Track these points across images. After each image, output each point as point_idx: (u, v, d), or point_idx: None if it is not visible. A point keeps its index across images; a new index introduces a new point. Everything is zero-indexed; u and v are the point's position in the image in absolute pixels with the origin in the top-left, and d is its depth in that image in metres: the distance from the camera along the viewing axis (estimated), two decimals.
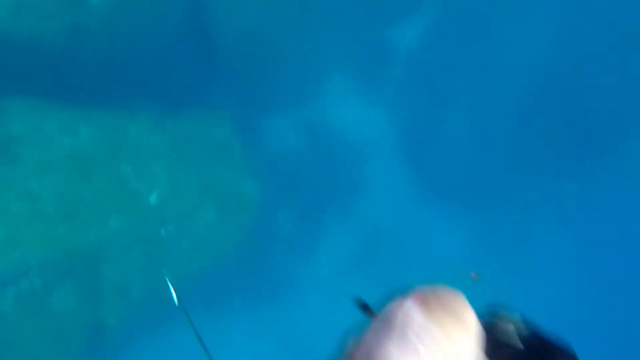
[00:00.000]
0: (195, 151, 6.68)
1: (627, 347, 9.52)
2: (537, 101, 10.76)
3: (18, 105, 5.83)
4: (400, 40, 12.14)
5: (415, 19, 12.02)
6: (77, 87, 6.25)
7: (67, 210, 5.21)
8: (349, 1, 10.15)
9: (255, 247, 8.97)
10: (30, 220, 5.09)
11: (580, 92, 10.50)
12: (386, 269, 12.20)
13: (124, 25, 6.63)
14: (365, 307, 1.13)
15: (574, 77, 10.44)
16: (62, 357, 5.44)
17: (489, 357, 0.91)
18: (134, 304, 5.99)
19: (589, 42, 10.39)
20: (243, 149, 7.32)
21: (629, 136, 10.82)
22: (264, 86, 9.72)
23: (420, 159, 12.36)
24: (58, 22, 6.20)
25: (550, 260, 11.61)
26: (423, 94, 12.36)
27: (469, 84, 11.87)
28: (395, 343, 0.91)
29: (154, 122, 6.22)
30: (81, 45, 6.40)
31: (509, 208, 11.94)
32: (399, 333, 0.92)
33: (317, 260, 11.69)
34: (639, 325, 9.52)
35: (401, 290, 1.02)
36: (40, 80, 6.11)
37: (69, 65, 6.30)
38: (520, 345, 1.07)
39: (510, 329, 1.09)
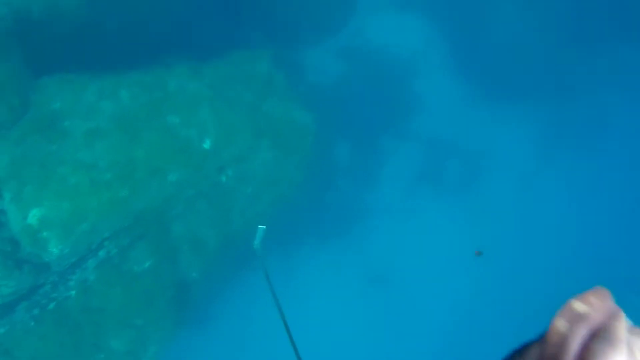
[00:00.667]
0: (239, 91, 6.42)
1: None
2: None
3: (55, 82, 5.71)
4: None
5: None
6: (109, 53, 6.06)
7: (124, 173, 5.13)
8: None
9: (317, 181, 8.80)
10: (90, 190, 5.05)
11: None
12: (455, 182, 11.88)
13: None
14: None
15: None
16: (151, 315, 5.51)
17: None
18: (209, 255, 5.96)
19: None
20: (288, 82, 6.99)
21: None
22: (297, 18, 9.28)
23: (471, 60, 11.70)
24: None
25: (628, 141, 10.91)
26: None
27: None
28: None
29: (192, 71, 5.97)
30: (104, 11, 6.16)
31: (574, 91, 11.22)
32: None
33: (381, 185, 11.51)
34: None
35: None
36: (71, 53, 5.95)
37: (95, 33, 6.09)
38: None
39: None
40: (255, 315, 6.98)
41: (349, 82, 11.08)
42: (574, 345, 0.82)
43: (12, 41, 5.73)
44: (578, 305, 0.83)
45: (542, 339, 0.85)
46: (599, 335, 0.81)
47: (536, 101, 11.74)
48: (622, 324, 0.81)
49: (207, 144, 5.57)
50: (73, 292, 5.37)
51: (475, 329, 9.66)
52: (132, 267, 5.39)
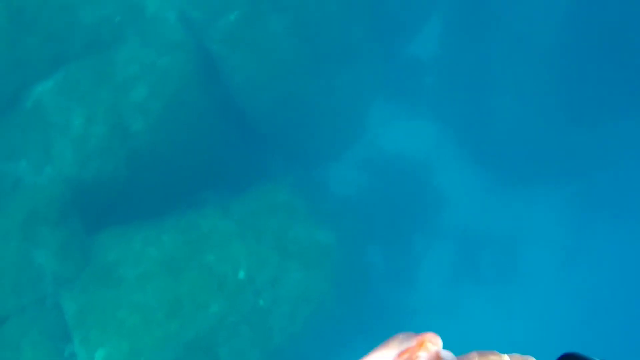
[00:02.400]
0: (265, 222, 7.32)
1: None
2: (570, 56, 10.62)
3: (108, 236, 6.75)
4: (421, 52, 12.44)
5: (429, 27, 12.30)
6: (148, 205, 7.13)
7: (172, 310, 5.94)
8: (357, 35, 10.62)
9: (353, 290, 9.36)
10: (145, 329, 5.85)
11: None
12: (493, 272, 12.05)
13: (167, 140, 7.52)
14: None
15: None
16: None
17: None
18: None
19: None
20: (308, 206, 7.88)
21: None
22: (312, 141, 10.32)
23: (485, 150, 12.32)
24: (114, 157, 7.18)
25: None
26: (460, 93, 12.47)
27: (499, 66, 11.87)
28: None
29: (221, 210, 6.94)
30: (138, 169, 7.34)
31: (597, 161, 11.56)
32: None
33: (419, 284, 11.79)
34: None
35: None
36: (119, 210, 7.05)
37: (135, 189, 7.21)
38: None
39: None
40: None
41: (370, 190, 11.83)
42: None
43: (71, 207, 6.89)
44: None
45: None
46: None
47: (559, 178, 12.10)
48: None
49: (241, 275, 6.39)
50: None
51: None
52: None
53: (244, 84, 8.23)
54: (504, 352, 1.04)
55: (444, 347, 1.04)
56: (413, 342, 0.95)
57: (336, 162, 11.53)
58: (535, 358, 0.98)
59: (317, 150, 10.70)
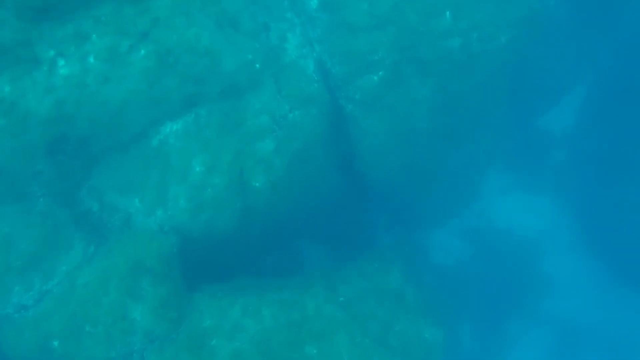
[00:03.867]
0: (372, 308, 6.57)
1: None
2: None
3: (207, 298, 6.23)
4: (554, 125, 11.41)
5: (569, 100, 11.25)
6: (252, 269, 6.57)
7: None
8: (493, 104, 9.76)
9: None
10: None
11: None
12: None
13: (285, 198, 6.95)
14: None
15: None
16: None
17: None
18: None
19: None
20: (419, 293, 7.08)
21: None
22: (422, 209, 9.55)
23: (603, 245, 11.15)
24: (230, 210, 6.68)
25: None
26: (589, 176, 11.33)
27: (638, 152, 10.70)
28: None
29: (329, 291, 6.27)
30: (251, 225, 6.80)
31: None
32: None
33: None
34: None
35: None
36: (220, 267, 6.53)
37: (244, 248, 6.68)
38: None
39: None
40: None
41: (471, 262, 10.95)
42: None
43: (177, 259, 6.44)
44: None
45: None
46: None
47: None
48: None
49: None
50: None
51: None
52: None
53: (372, 148, 7.55)
54: None
55: None
56: None
57: (441, 229, 10.73)
58: None
59: (424, 215, 9.91)
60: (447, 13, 7.10)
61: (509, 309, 11.09)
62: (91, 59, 6.23)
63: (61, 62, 6.20)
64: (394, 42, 7.10)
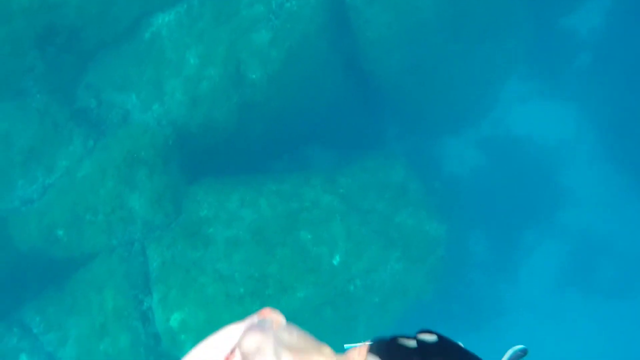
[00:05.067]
0: (372, 202, 6.44)
1: None
2: None
3: (204, 189, 6.19)
4: (580, 27, 10.69)
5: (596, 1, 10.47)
6: (252, 161, 6.46)
7: (256, 289, 5.32)
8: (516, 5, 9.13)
9: (450, 278, 8.42)
10: (225, 303, 5.30)
11: None
12: (608, 285, 10.76)
13: (284, 93, 6.73)
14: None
15: None
16: None
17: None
18: None
19: None
20: (423, 190, 6.89)
21: None
22: (434, 115, 9.21)
23: (625, 153, 10.69)
24: (227, 105, 6.50)
25: None
26: (615, 82, 10.69)
27: None
28: None
29: (328, 183, 6.13)
30: (249, 121, 6.64)
31: None
32: None
33: (521, 281, 10.78)
34: None
35: None
36: (219, 162, 6.44)
37: (241, 142, 6.55)
38: (413, 344, 1.03)
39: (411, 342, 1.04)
40: None
41: (488, 174, 10.67)
42: None
43: (173, 152, 6.37)
44: None
45: None
46: None
47: None
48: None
49: (336, 260, 5.61)
50: None
51: None
52: None
53: (375, 41, 7.17)
54: None
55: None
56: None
57: (455, 137, 10.38)
58: None
59: (437, 121, 9.55)
60: None
61: (525, 220, 10.88)
62: None
63: None
64: None
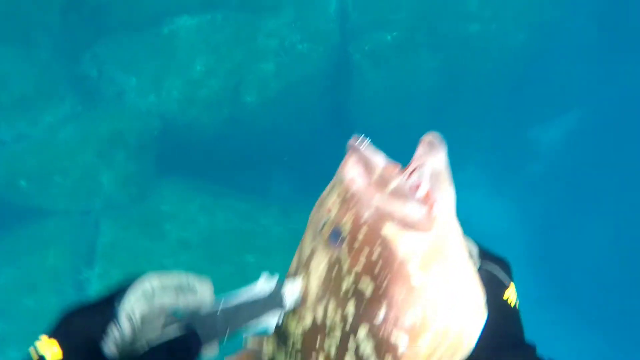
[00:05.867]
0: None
1: None
2: None
3: (171, 186, 6.57)
4: (543, 137, 11.62)
5: (562, 120, 11.41)
6: (222, 174, 6.90)
7: None
8: (494, 93, 9.92)
9: None
10: None
11: None
12: None
13: (271, 120, 7.23)
14: None
15: None
16: None
17: None
18: None
19: None
20: None
21: None
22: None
23: (551, 263, 11.56)
24: (216, 115, 6.95)
25: None
26: (561, 195, 11.60)
27: (615, 188, 10.87)
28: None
29: (282, 215, 6.63)
30: (232, 135, 7.10)
31: None
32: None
33: None
34: None
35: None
36: (193, 165, 6.85)
37: (219, 152, 6.99)
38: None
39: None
40: None
41: None
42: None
43: (154, 144, 6.74)
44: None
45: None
46: None
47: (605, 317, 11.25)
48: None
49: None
50: None
51: None
52: None
53: (370, 100, 7.79)
54: None
55: None
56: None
57: None
58: None
59: None
60: None
61: None
62: None
63: None
64: (416, 8, 7.25)
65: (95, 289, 5.86)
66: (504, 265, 1.07)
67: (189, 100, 6.84)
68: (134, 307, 0.92)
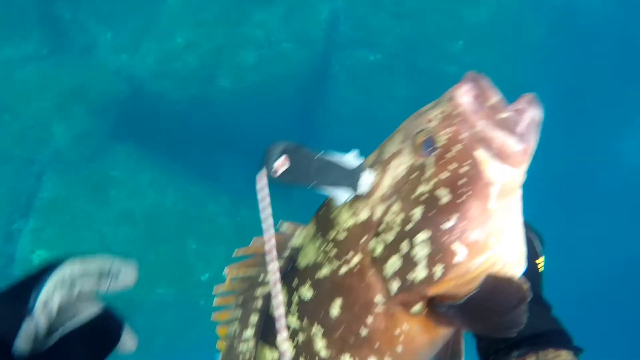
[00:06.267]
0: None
1: None
2: None
3: (124, 154, 6.40)
4: None
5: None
6: (179, 152, 6.79)
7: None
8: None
9: None
10: None
11: None
12: None
13: (240, 110, 7.18)
14: None
15: None
16: None
17: None
18: None
19: None
20: None
21: None
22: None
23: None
24: (185, 92, 6.83)
25: None
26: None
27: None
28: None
29: (231, 205, 6.62)
30: (197, 116, 6.99)
31: None
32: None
33: None
34: None
35: None
36: (151, 137, 6.70)
37: (180, 131, 6.87)
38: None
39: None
40: None
41: None
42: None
43: (114, 106, 6.53)
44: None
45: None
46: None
47: None
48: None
49: (205, 277, 6.09)
50: None
51: None
52: None
53: (340, 114, 7.87)
54: None
55: None
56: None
57: None
58: None
59: None
60: (461, 42, 7.52)
61: None
62: None
63: None
64: (403, 37, 7.43)
65: (24, 243, 5.63)
66: (540, 238, 1.18)
67: (162, 70, 6.68)
68: (52, 296, 0.87)
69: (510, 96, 0.96)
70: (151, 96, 6.72)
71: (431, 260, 0.89)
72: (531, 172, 0.96)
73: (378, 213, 0.95)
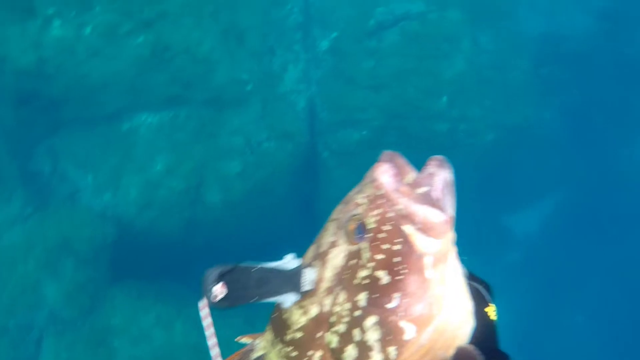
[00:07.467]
0: None
1: None
2: None
3: (124, 295, 6.12)
4: (517, 228, 11.58)
5: (536, 208, 11.42)
6: (185, 280, 6.49)
7: None
8: (466, 188, 9.86)
9: None
10: None
11: None
12: None
13: (236, 221, 6.93)
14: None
15: None
16: None
17: None
18: None
19: None
20: None
21: None
22: None
23: (531, 351, 11.25)
24: (176, 218, 6.62)
25: None
26: (538, 283, 11.47)
27: (590, 280, 10.82)
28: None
29: (247, 325, 6.20)
30: (193, 239, 6.74)
31: None
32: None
33: None
34: None
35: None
36: (149, 272, 6.44)
37: (180, 258, 6.60)
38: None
39: None
40: None
41: None
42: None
43: (106, 250, 6.33)
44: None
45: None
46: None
47: None
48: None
49: None
50: None
51: None
52: None
53: (337, 200, 7.57)
54: None
55: None
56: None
57: None
58: None
59: None
60: (444, 98, 7.25)
61: None
62: (88, 30, 6.16)
63: (57, 23, 6.11)
64: (385, 107, 7.21)
65: None
66: (487, 286, 1.19)
67: (147, 201, 6.51)
68: None
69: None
70: (141, 230, 6.53)
71: (384, 343, 0.93)
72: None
73: (327, 305, 0.99)
